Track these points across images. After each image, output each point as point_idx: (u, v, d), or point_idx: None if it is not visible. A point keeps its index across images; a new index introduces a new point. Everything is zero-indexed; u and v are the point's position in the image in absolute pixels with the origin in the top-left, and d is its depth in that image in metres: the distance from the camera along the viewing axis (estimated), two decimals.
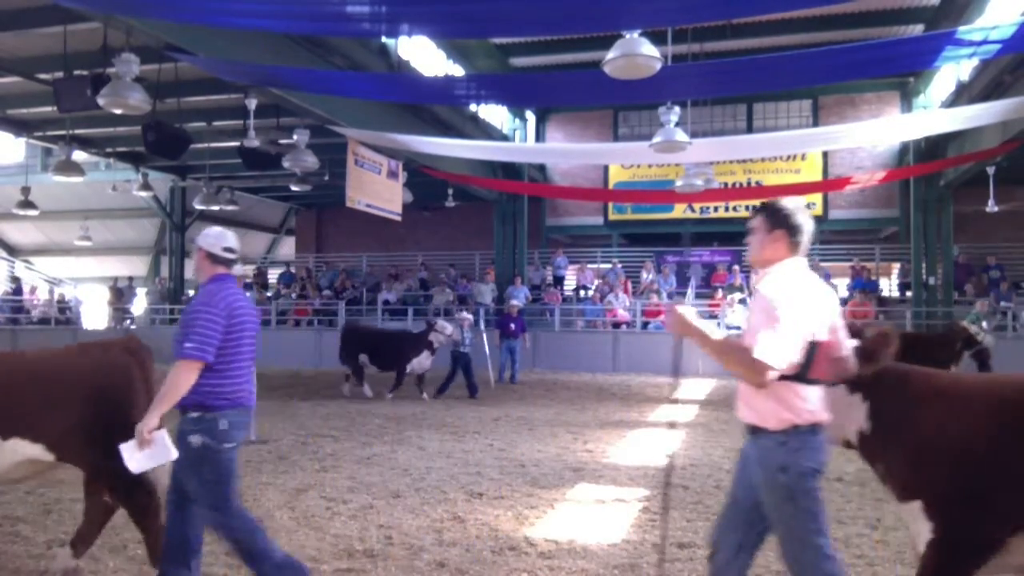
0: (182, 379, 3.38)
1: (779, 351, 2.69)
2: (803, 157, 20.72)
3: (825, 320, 2.85)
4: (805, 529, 2.78)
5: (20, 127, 16.56)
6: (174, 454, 3.44)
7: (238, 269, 3.99)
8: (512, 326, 15.33)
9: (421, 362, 12.58)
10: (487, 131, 18.59)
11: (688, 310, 2.87)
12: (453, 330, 12.46)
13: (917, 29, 16.05)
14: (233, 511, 3.50)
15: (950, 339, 11.47)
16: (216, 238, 3.74)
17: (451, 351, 12.74)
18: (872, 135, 15.68)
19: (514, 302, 16.59)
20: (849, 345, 2.99)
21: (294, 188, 16.94)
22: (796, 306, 2.75)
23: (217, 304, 3.52)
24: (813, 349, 2.78)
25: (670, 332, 2.97)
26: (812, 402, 2.82)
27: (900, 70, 16.83)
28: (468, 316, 13.10)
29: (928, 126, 14.07)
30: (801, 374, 2.78)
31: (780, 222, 2.95)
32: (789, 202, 3.04)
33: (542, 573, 4.22)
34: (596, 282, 20.73)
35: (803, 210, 3.00)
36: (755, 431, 2.90)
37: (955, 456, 2.84)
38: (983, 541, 2.79)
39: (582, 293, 20.84)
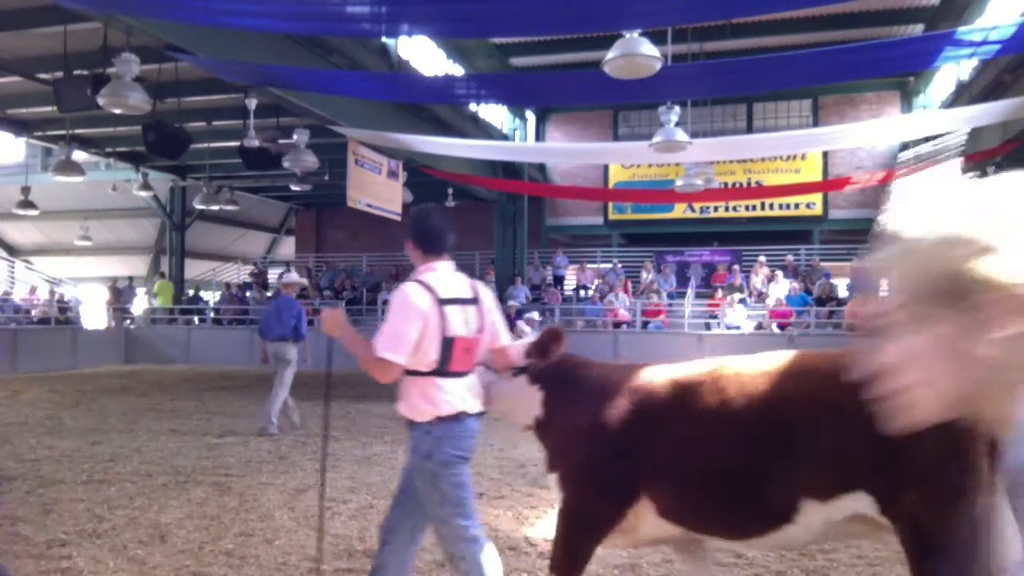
0: None
1: (394, 348, 2.97)
2: (803, 157, 20.74)
3: (464, 319, 3.10)
4: (448, 512, 3.07)
5: (20, 127, 16.57)
6: None
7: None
8: None
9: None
10: (487, 131, 18.60)
11: (340, 313, 3.14)
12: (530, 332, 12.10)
13: (917, 29, 16.07)
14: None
15: None
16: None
17: None
18: (872, 135, 15.70)
19: (512, 303, 16.20)
20: (514, 340, 3.39)
21: (294, 188, 16.96)
22: (409, 309, 3.01)
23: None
24: (449, 345, 3.05)
25: (326, 333, 3.22)
26: (453, 394, 3.09)
27: (900, 70, 16.86)
28: (536, 317, 12.38)
29: (928, 126, 14.09)
30: (440, 369, 3.06)
31: (410, 232, 3.26)
32: (422, 211, 3.36)
33: (542, 573, 4.22)
34: (596, 282, 20.74)
35: (434, 217, 3.29)
36: (409, 423, 3.15)
37: (583, 435, 3.11)
38: (601, 515, 3.03)
39: (582, 293, 20.85)
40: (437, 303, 3.05)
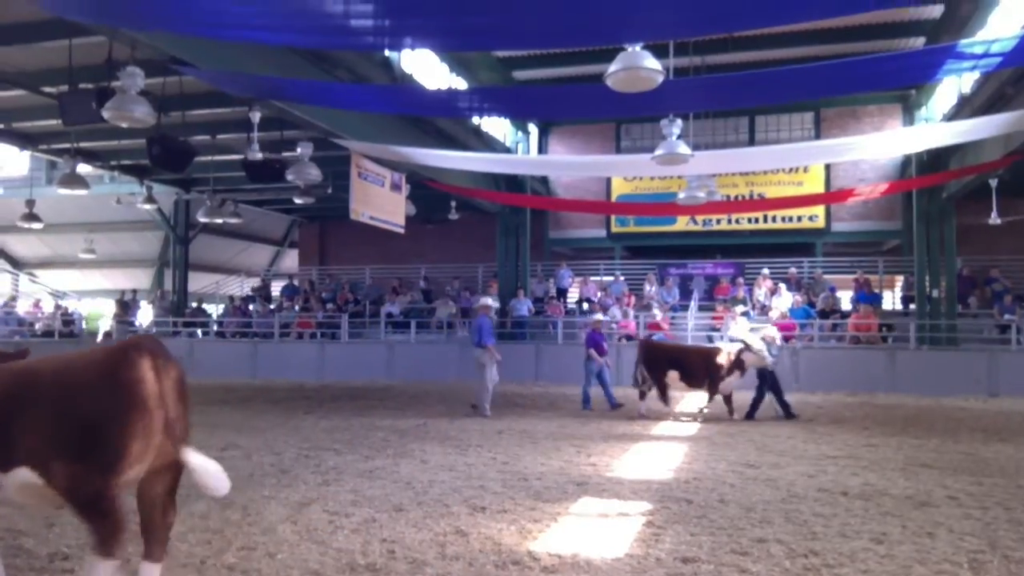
0: None
1: None
2: (805, 169, 20.76)
3: None
4: None
5: (25, 140, 16.63)
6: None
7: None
8: (605, 344, 13.66)
9: (730, 381, 11.86)
10: (490, 144, 18.65)
11: None
12: (766, 351, 11.65)
13: (918, 42, 16.11)
14: None
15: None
16: None
17: (757, 369, 11.86)
18: (874, 148, 15.71)
19: (598, 316, 14.89)
20: None
21: (297, 201, 16.97)
22: None
23: None
24: None
25: None
26: None
27: (902, 83, 16.90)
28: (776, 333, 12.37)
29: (930, 139, 14.09)
30: None
31: None
32: None
33: None
34: (599, 294, 20.73)
35: None
36: None
37: None
38: None
39: (585, 306, 20.83)
40: None
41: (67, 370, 3.70)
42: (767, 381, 11.82)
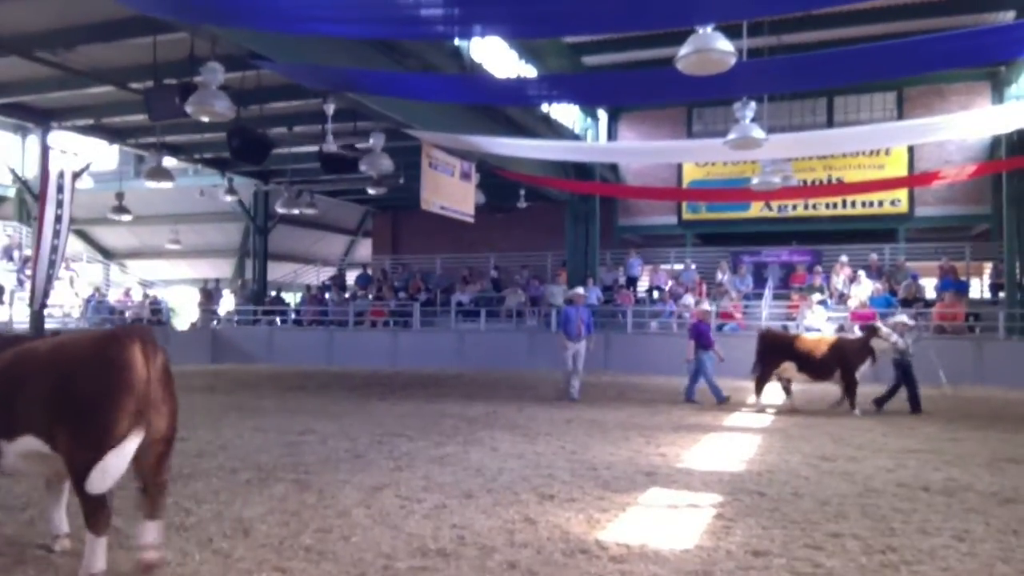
0: None
1: None
2: (887, 152, 20.02)
3: None
4: None
5: (114, 135, 17.42)
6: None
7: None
8: (711, 335, 12.92)
9: (862, 371, 11.26)
10: (559, 131, 18.58)
11: None
12: (897, 337, 11.08)
13: (1008, 16, 15.28)
14: None
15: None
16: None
17: (893, 359, 11.24)
18: (961, 128, 15.00)
19: (704, 305, 14.17)
20: None
21: (370, 191, 17.28)
22: None
23: None
24: None
25: None
26: None
27: (990, 60, 16.09)
28: (908, 320, 11.87)
29: (1021, 118, 13.39)
30: None
31: None
32: None
33: None
34: (669, 283, 20.47)
35: None
36: None
37: None
38: None
39: (655, 295, 20.61)
40: None
41: (65, 349, 4.09)
42: (904, 372, 11.15)
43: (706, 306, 14.07)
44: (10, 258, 22.01)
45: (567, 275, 20.43)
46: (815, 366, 11.37)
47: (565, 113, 19.54)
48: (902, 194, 20.38)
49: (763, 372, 11.63)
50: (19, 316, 17.28)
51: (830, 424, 9.96)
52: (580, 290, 14.47)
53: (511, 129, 15.81)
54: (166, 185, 15.58)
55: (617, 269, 21.45)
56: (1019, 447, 8.30)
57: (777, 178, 14.09)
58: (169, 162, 17.32)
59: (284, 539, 4.76)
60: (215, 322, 23.17)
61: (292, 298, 26.26)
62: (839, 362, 11.20)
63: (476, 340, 19.35)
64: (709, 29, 7.91)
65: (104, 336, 4.16)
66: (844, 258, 18.97)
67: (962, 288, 18.09)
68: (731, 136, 10.82)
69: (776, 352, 11.61)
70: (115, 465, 3.84)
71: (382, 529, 5.01)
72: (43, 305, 15.74)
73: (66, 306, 20.62)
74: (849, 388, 11.16)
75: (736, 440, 8.75)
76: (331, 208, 26.30)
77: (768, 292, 18.75)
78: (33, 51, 12.06)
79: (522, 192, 20.11)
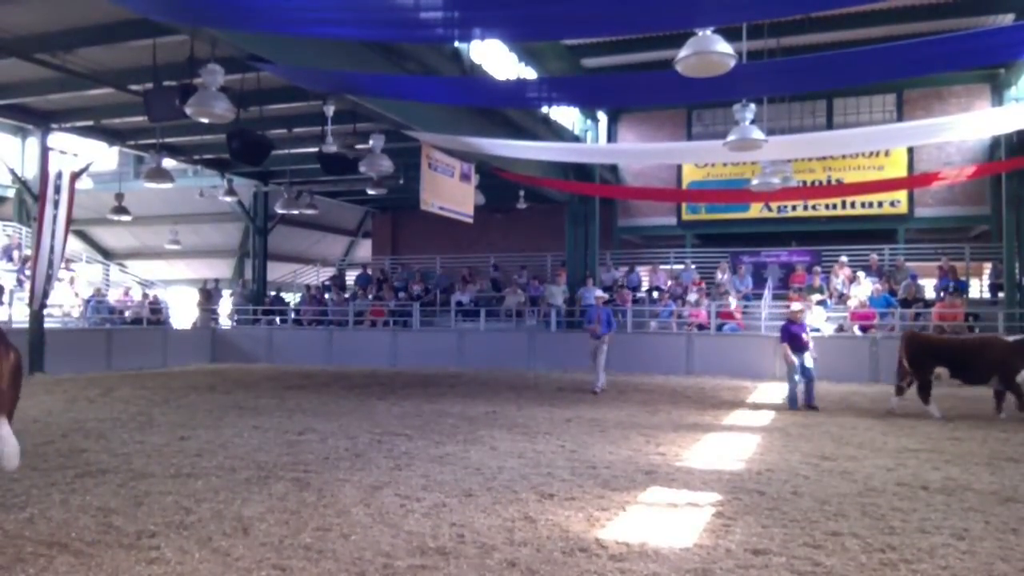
0: None
1: None
2: (887, 153, 20.06)
3: None
4: None
5: (114, 136, 17.43)
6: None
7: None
8: (804, 336, 11.67)
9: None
10: (558, 132, 18.60)
11: None
12: None
13: (1007, 19, 15.33)
14: None
15: None
16: None
17: None
18: (961, 129, 15.03)
19: (796, 306, 12.61)
20: None
21: (370, 192, 17.27)
22: None
23: None
24: None
25: None
26: None
27: (990, 62, 16.14)
28: None
29: (1020, 119, 13.42)
30: None
31: None
32: None
33: (612, 575, 4.21)
34: (669, 283, 20.49)
35: None
36: None
37: None
38: None
39: (654, 295, 20.62)
40: None
41: None
42: None
43: (797, 306, 12.55)
44: (10, 258, 22.00)
45: (566, 275, 20.46)
46: (969, 369, 10.63)
47: (565, 114, 19.56)
48: (902, 195, 20.41)
49: (922, 380, 10.74)
50: (19, 316, 17.27)
51: (831, 423, 9.97)
52: (599, 292, 16.03)
53: (511, 130, 15.83)
54: (166, 186, 15.58)
55: (616, 269, 21.50)
56: (1018, 446, 8.31)
57: (777, 179, 14.11)
58: (169, 163, 17.31)
59: (284, 538, 4.77)
60: (214, 322, 23.15)
61: (292, 298, 26.26)
62: (998, 365, 10.44)
63: (475, 340, 19.37)
64: (709, 31, 7.93)
65: None
66: (844, 258, 19.00)
67: (962, 288, 18.12)
68: (731, 138, 10.83)
69: (928, 356, 10.80)
70: None
71: (381, 528, 5.02)
72: (43, 305, 15.76)
73: (66, 306, 20.60)
74: (1015, 391, 10.27)
75: (736, 439, 8.77)
76: (331, 209, 26.32)
77: (768, 292, 18.77)
78: (33, 53, 12.07)
79: (522, 193, 20.12)
